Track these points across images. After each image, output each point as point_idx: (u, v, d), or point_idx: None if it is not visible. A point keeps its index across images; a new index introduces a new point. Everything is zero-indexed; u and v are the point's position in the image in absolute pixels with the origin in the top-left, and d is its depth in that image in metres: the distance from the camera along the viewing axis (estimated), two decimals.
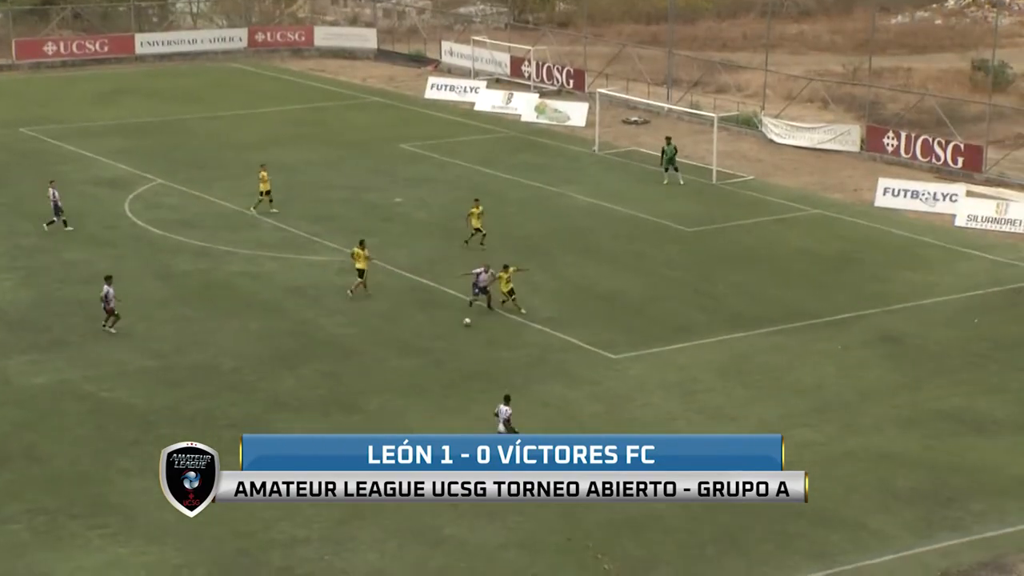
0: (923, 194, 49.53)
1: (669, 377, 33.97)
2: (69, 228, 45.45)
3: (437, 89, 70.03)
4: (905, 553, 25.69)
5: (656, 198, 50.61)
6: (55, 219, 45.50)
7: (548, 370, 34.39)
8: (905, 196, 49.75)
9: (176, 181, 52.67)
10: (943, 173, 53.50)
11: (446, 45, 77.12)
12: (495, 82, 71.64)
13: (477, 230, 43.46)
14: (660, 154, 52.97)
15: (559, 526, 26.74)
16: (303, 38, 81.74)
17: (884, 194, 50.07)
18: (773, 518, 26.88)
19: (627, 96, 64.38)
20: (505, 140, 60.68)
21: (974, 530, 26.54)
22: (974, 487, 28.26)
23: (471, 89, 69.12)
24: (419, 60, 78.64)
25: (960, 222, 47.51)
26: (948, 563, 25.41)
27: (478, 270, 38.01)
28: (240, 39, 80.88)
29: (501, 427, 28.77)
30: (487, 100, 67.41)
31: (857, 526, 26.67)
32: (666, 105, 64.06)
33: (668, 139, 53.29)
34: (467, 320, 37.05)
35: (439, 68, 76.41)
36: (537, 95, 66.87)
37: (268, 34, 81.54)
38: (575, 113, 63.79)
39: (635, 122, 63.66)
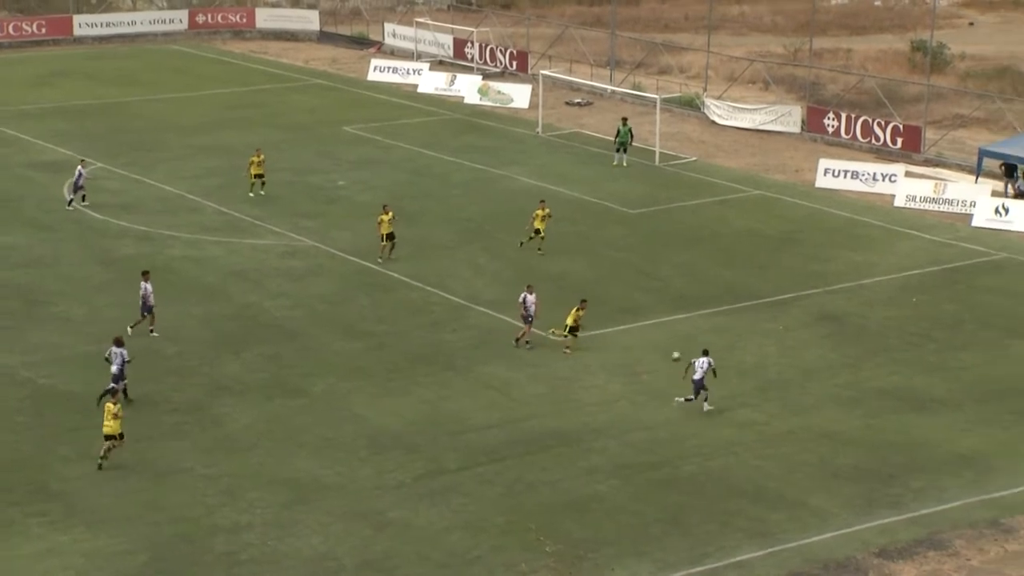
0: (863, 175, 49.92)
1: (613, 359, 34.05)
2: (71, 208, 45.65)
3: (380, 71, 69.71)
4: (845, 531, 25.93)
5: (600, 180, 50.69)
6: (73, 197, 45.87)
7: (491, 352, 34.39)
8: (845, 177, 50.11)
9: (117, 165, 52.15)
10: (882, 154, 53.93)
11: (389, 27, 76.76)
12: (438, 64, 71.40)
13: (538, 231, 41.18)
14: (616, 135, 52.84)
15: (503, 508, 26.77)
16: (244, 20, 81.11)
17: (825, 175, 50.41)
18: (715, 497, 27.05)
19: (570, 78, 64.37)
20: (448, 122, 60.52)
21: (912, 507, 26.83)
22: (913, 464, 28.57)
23: (414, 71, 68.86)
24: (362, 42, 78.23)
25: (899, 202, 47.92)
26: (886, 540, 25.69)
27: (525, 296, 34.37)
28: (180, 21, 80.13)
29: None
30: (430, 82, 67.19)
31: (798, 504, 26.89)
32: (609, 87, 64.13)
33: (624, 120, 53.29)
34: (676, 355, 32.54)
35: (382, 50, 76.05)
36: (480, 77, 66.72)
37: (209, 16, 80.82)
38: (518, 95, 63.72)
39: (578, 104, 63.67)
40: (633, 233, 44.54)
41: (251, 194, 47.79)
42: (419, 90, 66.76)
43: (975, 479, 27.97)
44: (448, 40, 72.91)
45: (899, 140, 53.86)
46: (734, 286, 39.37)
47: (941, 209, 47.10)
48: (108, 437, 27.91)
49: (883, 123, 54.50)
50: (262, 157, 48.27)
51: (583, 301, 34.66)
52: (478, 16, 77.55)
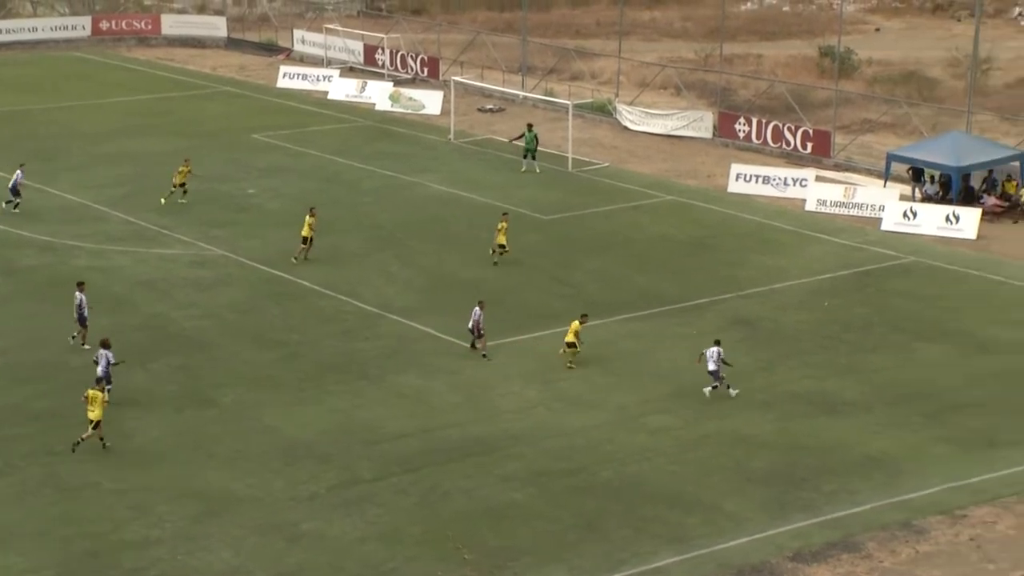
0: (774, 179, 50.52)
1: (529, 366, 34.13)
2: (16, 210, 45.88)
3: (289, 78, 69.32)
4: (759, 535, 26.20)
5: (512, 186, 50.80)
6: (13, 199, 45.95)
7: (405, 360, 34.32)
8: (757, 181, 50.68)
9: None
10: (793, 158, 54.62)
11: (298, 33, 76.35)
12: (348, 71, 71.14)
13: (501, 247, 41.33)
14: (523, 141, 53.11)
15: (418, 517, 26.71)
16: (150, 26, 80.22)
17: (737, 180, 50.96)
18: (632, 503, 27.21)
19: (482, 84, 64.47)
20: (359, 129, 60.33)
21: (825, 510, 27.17)
22: (825, 467, 28.94)
23: (324, 78, 68.56)
24: (270, 49, 77.72)
25: (810, 207, 48.56)
26: (800, 544, 25.99)
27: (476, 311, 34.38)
28: (83, 27, 79.05)
29: None
30: (341, 89, 66.95)
31: (713, 509, 27.12)
32: (521, 93, 64.31)
33: (529, 126, 53.48)
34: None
35: (291, 57, 75.61)
36: (391, 84, 66.57)
37: (113, 22, 79.84)
38: (430, 101, 63.69)
39: (490, 110, 63.76)
40: (546, 239, 44.68)
41: (162, 200, 47.34)
42: (329, 97, 66.48)
43: (886, 481, 28.40)
44: (358, 46, 72.68)
45: (809, 145, 54.59)
46: (648, 291, 39.64)
47: (851, 213, 47.79)
48: (93, 422, 28.70)
49: (793, 128, 55.22)
50: (189, 167, 47.93)
51: (584, 315, 34.44)
52: (388, 22, 77.41)
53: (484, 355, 34.32)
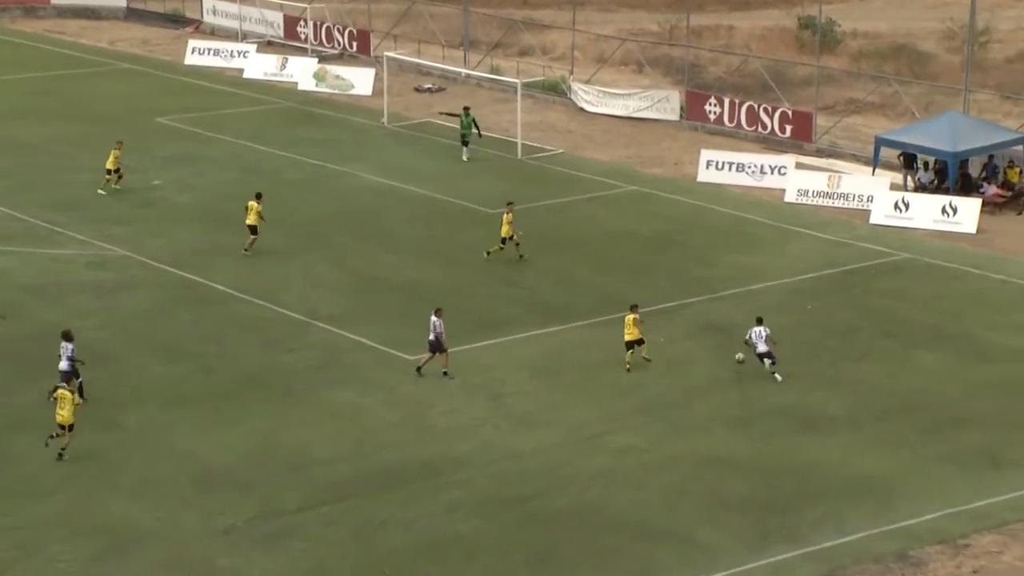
0: (749, 167, 50.82)
1: (473, 379, 34.15)
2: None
3: (199, 54, 69.01)
4: (736, 569, 26.32)
5: (455, 176, 50.83)
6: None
7: (336, 375, 34.26)
8: (730, 169, 50.96)
9: None
10: (771, 143, 54.96)
11: (208, 3, 75.99)
12: (267, 45, 70.89)
13: (506, 239, 41.60)
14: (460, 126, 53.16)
15: (350, 552, 26.66)
16: None
17: (707, 168, 51.21)
18: (592, 533, 27.27)
19: (419, 60, 64.44)
20: (280, 112, 60.12)
21: (810, 540, 27.34)
22: (809, 492, 29.13)
23: (239, 54, 68.30)
24: (177, 20, 77.35)
25: (790, 197, 48.88)
26: None
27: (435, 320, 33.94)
28: None
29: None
30: (258, 66, 66.71)
31: (684, 540, 27.24)
32: (463, 70, 64.36)
33: (466, 109, 53.53)
34: (740, 356, 34.44)
35: (201, 29, 75.26)
36: (316, 60, 66.40)
37: None
38: (360, 80, 63.59)
39: (429, 90, 63.76)
40: (494, 236, 44.73)
41: (100, 191, 47.77)
42: (245, 75, 66.22)
43: (878, 507, 28.61)
44: (278, 18, 72.43)
45: (788, 128, 54.93)
46: (609, 294, 39.74)
47: (836, 204, 48.14)
48: (64, 427, 29.43)
49: (770, 109, 55.56)
50: (120, 150, 48.29)
51: (633, 306, 34.96)
52: None
53: (445, 373, 34.05)
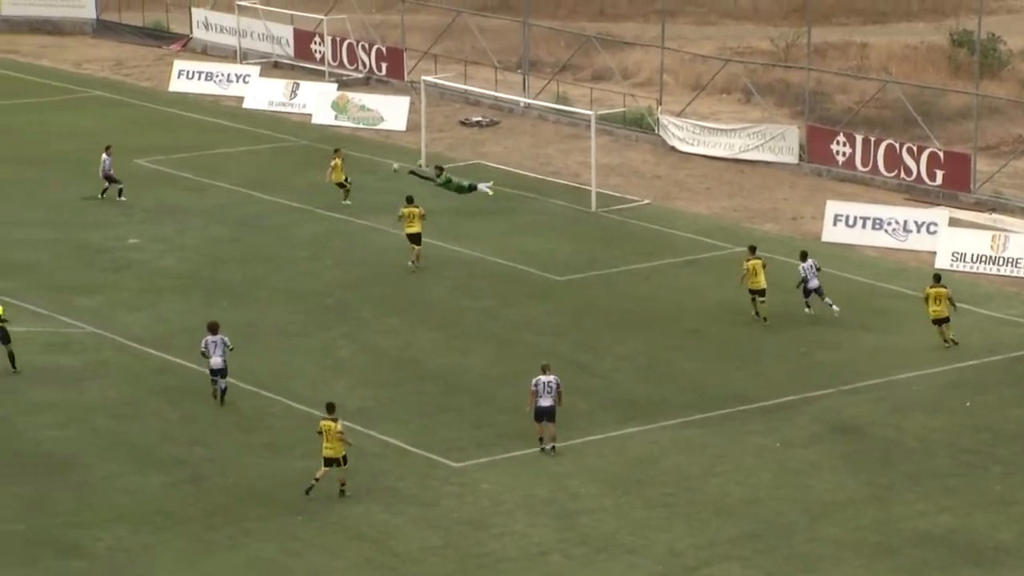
0: (889, 223, 50.66)
1: (537, 492, 34.06)
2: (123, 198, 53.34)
3: (187, 78, 69.64)
4: None
5: (511, 233, 50.92)
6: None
7: (360, 485, 34.24)
8: (864, 226, 50.82)
9: None
10: (916, 193, 54.81)
11: (199, 13, 76.78)
12: (273, 67, 71.51)
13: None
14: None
15: None
16: None
17: (834, 224, 51.11)
18: None
19: (466, 87, 64.74)
20: (289, 152, 60.51)
21: None
22: None
23: (238, 78, 68.90)
24: (160, 36, 78.09)
25: (942, 262, 48.66)
26: None
27: None
28: None
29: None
30: (262, 94, 67.24)
31: None
32: (522, 99, 64.62)
33: (440, 169, 51.06)
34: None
35: (189, 47, 75.99)
36: (335, 86, 66.91)
37: None
38: (391, 111, 63.97)
39: (478, 123, 64.05)
40: (560, 309, 44.73)
41: (347, 202, 52.77)
42: (245, 105, 66.75)
43: None
44: (287, 32, 73.08)
45: (939, 174, 54.77)
46: (707, 385, 39.63)
47: (1001, 272, 47.95)
48: (333, 460, 33.96)
49: (915, 150, 55.44)
50: (338, 161, 53.21)
51: (936, 276, 42.60)
52: None
53: (552, 448, 35.83)
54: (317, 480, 33.55)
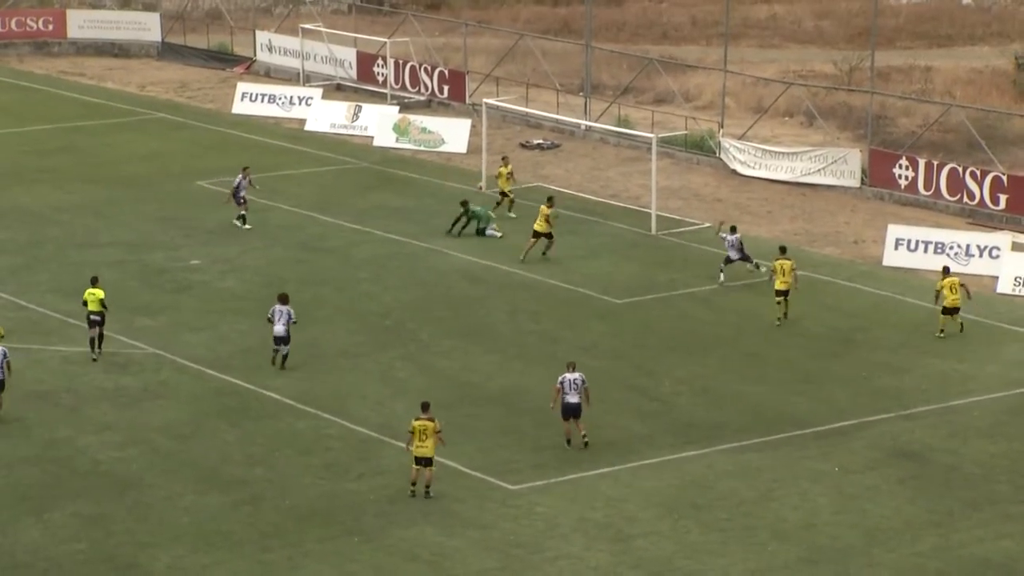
0: (951, 248, 50.49)
1: (593, 515, 34.07)
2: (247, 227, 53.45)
3: (250, 100, 70.03)
4: None
5: (571, 256, 50.96)
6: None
7: (416, 507, 34.32)
8: (926, 251, 50.66)
9: None
10: (979, 218, 54.61)
11: (263, 36, 77.21)
12: (335, 90, 71.81)
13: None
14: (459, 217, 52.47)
15: None
16: (51, 27, 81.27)
17: (896, 248, 50.99)
18: None
19: (527, 109, 64.86)
20: (351, 173, 60.73)
21: None
22: None
23: (300, 100, 69.23)
24: (223, 59, 78.55)
25: (1004, 287, 48.49)
26: None
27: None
28: None
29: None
30: (324, 116, 67.54)
31: None
32: (584, 122, 64.72)
33: (465, 204, 52.24)
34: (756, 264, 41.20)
35: (252, 70, 76.42)
36: (397, 109, 67.15)
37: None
38: (452, 134, 64.15)
39: (539, 146, 64.17)
40: (619, 332, 44.75)
41: (511, 214, 54.22)
42: (307, 128, 67.08)
43: None
44: (350, 55, 73.39)
45: (1003, 198, 54.58)
46: (766, 409, 39.58)
47: None
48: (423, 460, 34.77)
49: (979, 174, 55.27)
50: (504, 169, 54.74)
51: (946, 268, 43.45)
52: (392, 21, 78.24)
53: (584, 437, 36.90)
54: (415, 484, 34.50)
